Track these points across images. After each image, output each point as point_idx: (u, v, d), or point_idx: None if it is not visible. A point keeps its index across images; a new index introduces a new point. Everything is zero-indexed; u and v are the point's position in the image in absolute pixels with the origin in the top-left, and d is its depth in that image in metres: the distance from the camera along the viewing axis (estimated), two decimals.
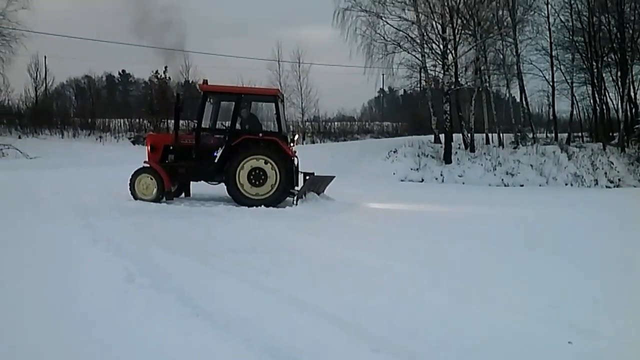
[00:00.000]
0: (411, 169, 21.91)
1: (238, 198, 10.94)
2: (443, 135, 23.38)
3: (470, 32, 23.57)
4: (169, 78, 32.57)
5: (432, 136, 25.53)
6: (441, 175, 21.63)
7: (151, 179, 10.96)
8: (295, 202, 10.67)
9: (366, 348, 3.74)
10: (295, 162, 11.53)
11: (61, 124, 31.87)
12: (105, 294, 4.81)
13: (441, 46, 23.33)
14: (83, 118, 33.85)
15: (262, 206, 10.55)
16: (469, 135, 24.07)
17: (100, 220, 8.72)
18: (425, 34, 23.52)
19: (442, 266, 6.21)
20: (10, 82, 31.68)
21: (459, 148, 23.66)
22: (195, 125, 11.66)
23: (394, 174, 21.49)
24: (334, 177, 12.27)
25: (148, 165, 11.26)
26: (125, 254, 6.24)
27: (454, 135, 23.18)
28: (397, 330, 4.06)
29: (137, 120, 33.34)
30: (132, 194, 10.97)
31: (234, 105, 11.29)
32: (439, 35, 23.49)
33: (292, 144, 11.65)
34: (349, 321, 4.21)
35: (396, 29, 23.79)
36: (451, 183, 20.91)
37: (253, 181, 10.96)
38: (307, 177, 11.38)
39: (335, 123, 38.88)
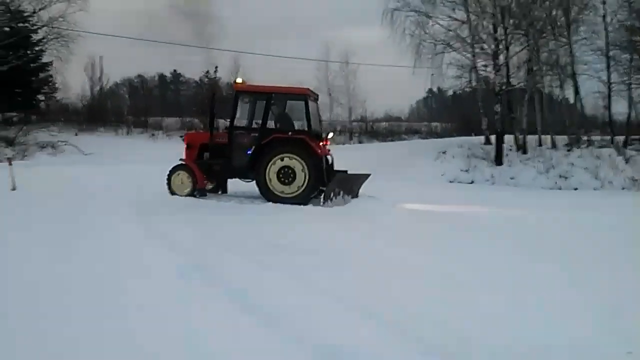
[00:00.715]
0: (461, 171, 21.58)
1: (268, 196, 11.07)
2: (494, 136, 22.93)
3: (522, 32, 23.02)
4: (220, 78, 33.14)
5: (483, 137, 25.08)
6: (492, 177, 21.21)
7: (187, 176, 11.35)
8: (323, 201, 10.56)
9: (417, 351, 3.71)
10: (330, 161, 11.64)
11: (115, 121, 32.87)
12: (159, 287, 4.94)
13: (492, 46, 22.87)
14: (136, 116, 34.79)
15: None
16: (521, 136, 23.52)
17: (155, 215, 8.96)
18: (476, 33, 23.12)
19: (496, 270, 6.06)
20: (68, 81, 32.99)
21: (510, 150, 23.14)
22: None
23: (442, 175, 21.22)
24: (369, 175, 12.14)
25: (184, 163, 11.62)
26: (178, 249, 6.40)
27: (505, 136, 22.70)
28: (450, 335, 4.00)
29: (188, 119, 34.00)
30: (169, 189, 11.39)
31: (265, 104, 11.43)
32: (490, 35, 23.03)
33: (325, 142, 11.69)
34: (400, 323, 4.18)
35: (446, 28, 23.47)
36: (502, 185, 20.47)
37: (282, 179, 11.07)
38: (335, 176, 11.26)
39: (383, 123, 38.68)
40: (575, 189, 20.24)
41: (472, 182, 20.85)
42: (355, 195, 11.64)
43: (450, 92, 39.87)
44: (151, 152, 25.73)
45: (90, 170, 14.63)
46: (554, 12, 23.59)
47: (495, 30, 22.55)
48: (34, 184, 13.24)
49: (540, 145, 24.32)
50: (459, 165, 21.86)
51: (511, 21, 22.63)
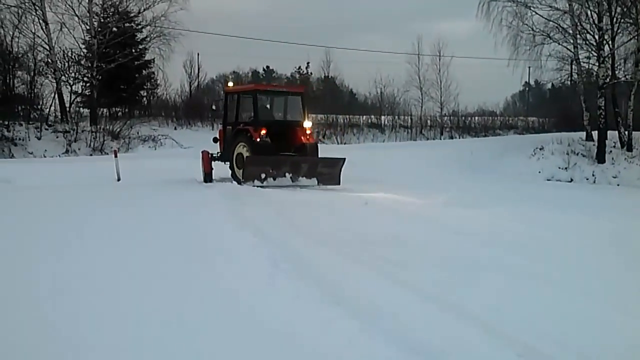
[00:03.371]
0: (559, 168, 20.55)
1: (235, 179, 12.87)
2: (596, 132, 21.67)
3: (631, 21, 21.55)
4: (311, 73, 33.55)
5: (584, 133, 23.76)
6: (593, 175, 20.05)
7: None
8: (261, 182, 11.83)
9: (510, 352, 3.61)
10: (310, 149, 13.06)
11: (211, 116, 34.06)
12: (252, 276, 5.12)
13: (596, 36, 21.57)
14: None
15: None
16: (626, 132, 22.05)
17: (248, 207, 9.26)
18: (578, 23, 21.91)
19: (595, 273, 5.75)
20: (168, 77, 34.60)
21: (614, 146, 21.78)
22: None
23: (539, 172, 20.30)
24: (343, 159, 12.83)
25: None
26: (270, 240, 6.59)
27: (608, 132, 21.39)
28: (544, 337, 3.86)
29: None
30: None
31: (238, 101, 13.66)
32: (594, 25, 21.74)
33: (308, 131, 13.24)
34: (491, 323, 4.07)
35: (546, 19, 22.41)
36: (604, 184, 19.30)
37: (238, 165, 12.94)
38: (283, 156, 12.69)
39: (476, 118, 37.55)
40: None
41: (571, 181, 19.82)
42: (336, 181, 12.63)
43: (548, 86, 38.25)
44: None
45: (187, 162, 15.32)
46: None
47: (601, 20, 21.24)
48: (137, 175, 14.08)
49: None
50: (557, 163, 20.82)
51: (619, 9, 21.25)
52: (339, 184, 12.55)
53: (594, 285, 5.22)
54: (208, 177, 13.27)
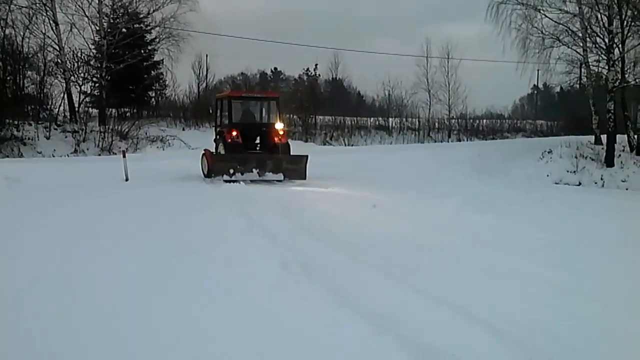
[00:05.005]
0: (567, 172, 20.41)
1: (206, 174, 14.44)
2: (605, 135, 21.54)
3: None
4: (319, 75, 33.53)
5: (593, 137, 23.62)
6: (601, 179, 19.91)
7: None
8: (229, 177, 13.21)
9: (522, 357, 3.59)
10: (283, 148, 14.26)
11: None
12: (261, 277, 5.11)
13: (606, 40, 21.43)
14: None
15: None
16: (636, 136, 21.90)
17: (254, 207, 9.26)
18: (588, 26, 21.79)
19: (608, 279, 5.68)
20: (177, 78, 34.67)
21: (623, 150, 21.62)
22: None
23: (547, 176, 20.18)
24: (306, 156, 14.10)
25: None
26: (278, 242, 6.59)
27: (617, 136, 21.25)
28: (558, 344, 3.83)
29: (288, 115, 34.65)
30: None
31: (227, 105, 14.85)
32: (604, 28, 21.60)
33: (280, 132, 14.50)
34: (503, 329, 4.04)
35: (555, 22, 22.29)
36: (612, 188, 19.16)
37: None
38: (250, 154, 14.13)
39: (484, 121, 37.40)
40: None
41: (579, 184, 19.71)
42: (302, 176, 13.81)
43: (557, 89, 38.07)
44: None
45: (195, 164, 15.40)
46: None
47: (611, 23, 21.12)
48: (145, 175, 14.14)
49: None
50: (565, 166, 20.69)
51: (629, 12, 21.12)
52: (305, 178, 13.81)
53: (609, 291, 5.17)
54: (210, 173, 14.20)
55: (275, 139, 14.46)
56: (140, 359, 3.54)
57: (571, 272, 5.73)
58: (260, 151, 14.65)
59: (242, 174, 13.36)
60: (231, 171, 13.33)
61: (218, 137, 14.98)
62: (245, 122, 15.00)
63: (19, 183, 12.89)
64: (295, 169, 13.97)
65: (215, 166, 13.79)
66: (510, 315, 4.33)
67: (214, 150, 15.14)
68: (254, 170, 13.55)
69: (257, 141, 14.74)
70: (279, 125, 14.75)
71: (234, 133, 13.98)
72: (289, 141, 15.29)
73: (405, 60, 76.71)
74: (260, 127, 15.01)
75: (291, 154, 14.52)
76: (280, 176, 13.72)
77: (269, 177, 13.59)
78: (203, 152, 15.25)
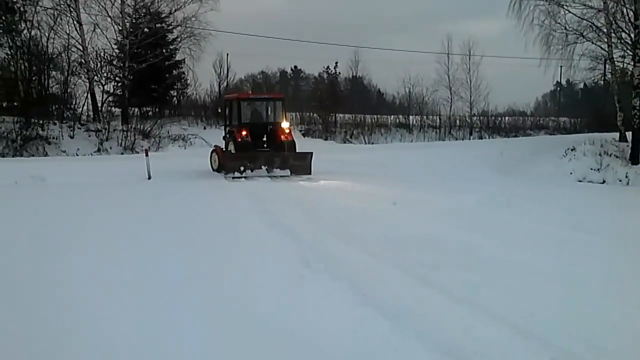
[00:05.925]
0: (591, 169, 20.09)
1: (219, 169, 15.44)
2: (630, 132, 21.17)
3: None
4: (339, 73, 33.49)
5: (617, 134, 23.23)
6: (626, 177, 19.56)
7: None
8: (240, 174, 13.89)
9: (544, 355, 3.56)
10: (288, 146, 14.95)
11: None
12: (283, 276, 5.14)
13: (632, 35, 21.04)
14: None
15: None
16: None
17: (274, 206, 9.30)
18: (613, 22, 21.42)
19: (630, 278, 5.61)
20: (198, 77, 34.90)
21: None
22: None
23: (570, 173, 19.89)
24: (311, 153, 14.71)
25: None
26: (299, 240, 6.61)
27: None
28: (580, 342, 3.79)
29: (308, 113, 34.70)
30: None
31: (236, 106, 15.38)
32: (629, 23, 21.21)
33: (286, 130, 15.28)
34: (525, 326, 4.02)
35: (579, 17, 21.94)
36: (638, 186, 18.87)
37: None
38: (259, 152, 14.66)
39: (506, 118, 37.01)
40: None
41: (603, 182, 19.41)
42: (307, 172, 14.43)
43: (580, 85, 37.52)
44: None
45: None
46: None
47: (637, 18, 20.73)
48: (166, 174, 14.28)
49: None
50: (589, 164, 20.37)
51: None
52: (310, 173, 14.49)
53: (631, 290, 5.10)
54: (221, 168, 15.20)
55: (282, 136, 15.29)
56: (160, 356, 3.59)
57: (599, 272, 5.67)
58: (268, 149, 15.34)
59: (252, 170, 14.14)
60: (242, 168, 14.12)
61: (228, 135, 15.79)
62: (254, 121, 15.75)
63: (43, 181, 13.11)
64: (301, 165, 14.72)
65: (228, 164, 14.57)
66: (533, 314, 4.29)
67: (223, 147, 15.92)
68: (262, 167, 14.32)
69: (265, 139, 15.41)
70: (285, 124, 15.59)
71: (244, 132, 14.78)
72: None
73: (425, 57, 76.40)
74: (267, 126, 15.74)
75: (297, 151, 15.25)
76: (287, 172, 14.42)
77: (277, 172, 14.29)
78: (213, 147, 16.25)
